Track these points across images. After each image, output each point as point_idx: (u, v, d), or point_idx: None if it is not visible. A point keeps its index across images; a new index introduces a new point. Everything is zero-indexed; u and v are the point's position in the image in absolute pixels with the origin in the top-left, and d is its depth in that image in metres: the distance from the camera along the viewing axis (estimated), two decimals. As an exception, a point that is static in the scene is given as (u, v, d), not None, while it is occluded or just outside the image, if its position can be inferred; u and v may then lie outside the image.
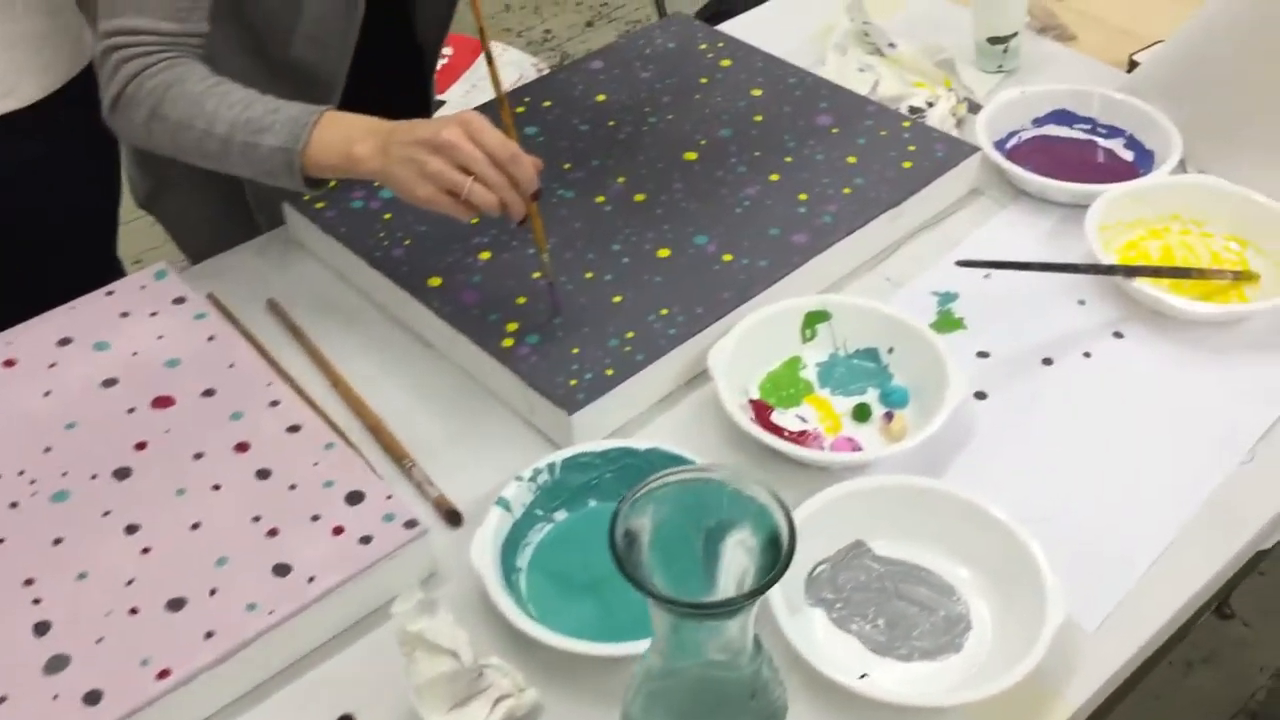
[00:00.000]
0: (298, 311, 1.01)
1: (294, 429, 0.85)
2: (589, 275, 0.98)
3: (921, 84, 1.26)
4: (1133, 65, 1.29)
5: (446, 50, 2.03)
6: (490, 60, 0.89)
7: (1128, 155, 1.17)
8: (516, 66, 1.96)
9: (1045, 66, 1.31)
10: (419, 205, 0.86)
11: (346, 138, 0.89)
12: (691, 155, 1.11)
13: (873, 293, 1.02)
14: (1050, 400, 0.92)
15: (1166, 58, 1.18)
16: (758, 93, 1.19)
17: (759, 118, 1.16)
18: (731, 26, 1.41)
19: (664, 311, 0.94)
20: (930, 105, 1.21)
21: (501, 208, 0.86)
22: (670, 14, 1.34)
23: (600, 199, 1.06)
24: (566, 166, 1.10)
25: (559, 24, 3.10)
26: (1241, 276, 1.01)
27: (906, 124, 1.14)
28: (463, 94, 1.93)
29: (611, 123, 1.16)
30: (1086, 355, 0.96)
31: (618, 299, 0.96)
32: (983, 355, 0.96)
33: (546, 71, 1.88)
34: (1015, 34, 1.28)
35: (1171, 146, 1.12)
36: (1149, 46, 1.31)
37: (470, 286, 0.97)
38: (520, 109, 1.18)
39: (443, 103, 1.90)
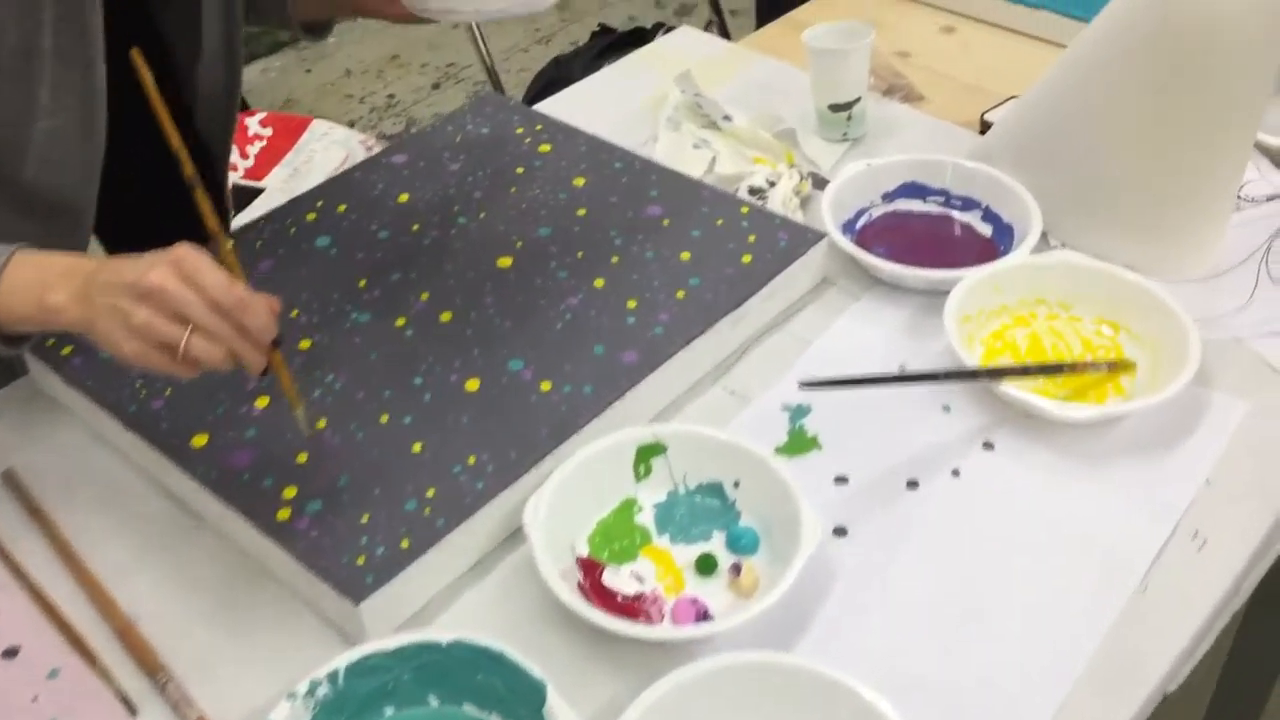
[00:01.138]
0: (43, 484, 0.85)
1: (10, 653, 0.69)
2: (384, 419, 0.84)
3: (762, 159, 1.16)
4: (985, 126, 1.21)
5: (265, 130, 1.88)
6: (189, 173, 0.74)
7: (985, 229, 1.07)
8: (342, 146, 1.81)
9: (894, 130, 1.22)
10: (130, 364, 0.71)
11: (40, 281, 0.73)
12: (506, 261, 0.98)
13: (716, 412, 0.90)
14: (918, 532, 0.81)
15: (1016, 121, 1.09)
16: (581, 182, 1.07)
17: (582, 211, 1.03)
18: (557, 102, 1.29)
19: (471, 460, 0.81)
20: (771, 184, 1.10)
21: (232, 361, 0.71)
22: (482, 94, 1.22)
23: (400, 322, 0.93)
24: (362, 284, 0.96)
25: (403, 87, 2.96)
26: (1117, 367, 0.92)
27: (745, 209, 1.03)
28: (285, 179, 1.78)
29: (415, 227, 1.02)
30: (955, 474, 0.85)
31: (418, 447, 0.82)
32: (841, 481, 0.84)
33: (375, 151, 1.74)
34: (858, 100, 1.18)
35: (1030, 219, 1.02)
36: (1001, 104, 1.22)
37: (243, 444, 0.82)
38: (311, 215, 1.04)
39: (260, 190, 1.75)
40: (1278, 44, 0.92)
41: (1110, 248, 1.03)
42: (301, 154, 1.80)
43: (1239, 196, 1.10)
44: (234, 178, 1.76)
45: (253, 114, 1.90)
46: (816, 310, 1.00)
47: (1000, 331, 0.96)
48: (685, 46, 1.39)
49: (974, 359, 0.90)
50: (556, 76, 1.88)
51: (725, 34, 2.06)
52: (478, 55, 2.13)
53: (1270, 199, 1.09)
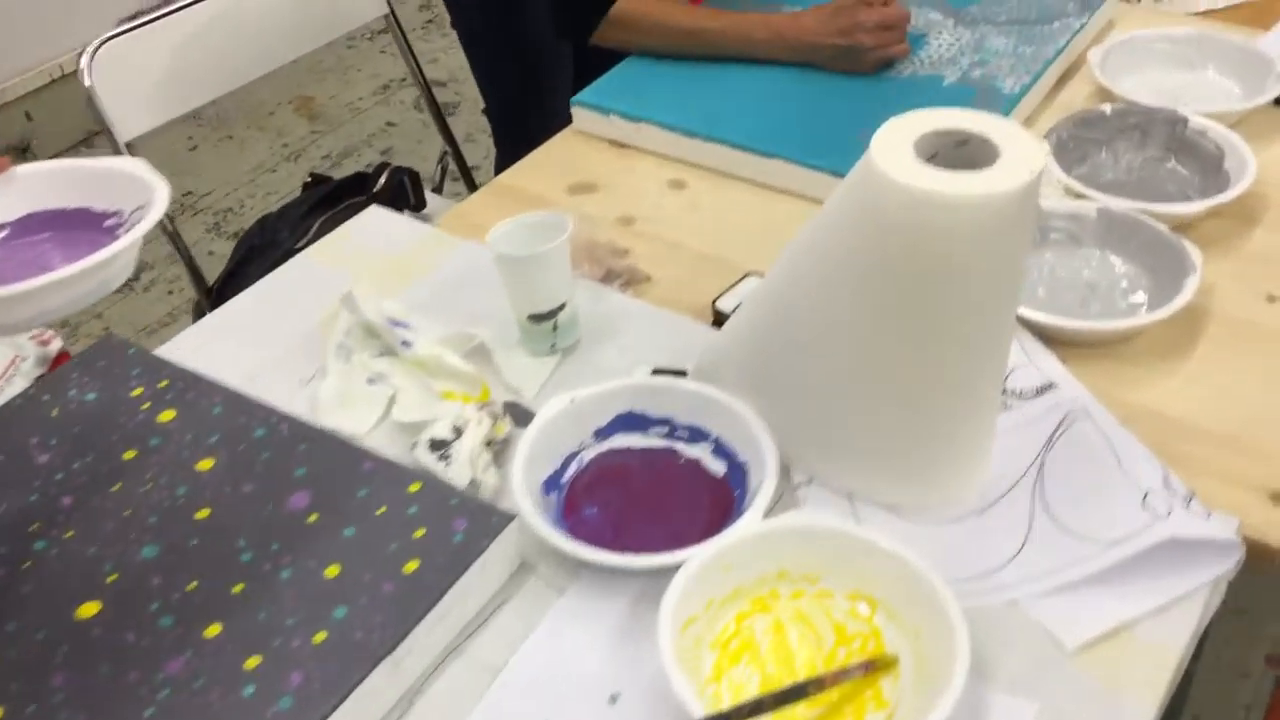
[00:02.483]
0: None
1: None
2: None
3: (451, 394, 0.95)
4: (718, 316, 1.03)
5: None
6: None
7: (718, 467, 0.89)
8: (10, 346, 1.53)
9: (615, 330, 1.03)
10: None
11: None
12: (90, 608, 0.75)
13: (369, 807, 0.68)
14: None
15: (744, 327, 0.91)
16: (208, 465, 0.84)
17: (204, 513, 0.81)
18: (199, 333, 1.06)
19: None
20: (459, 432, 0.90)
21: None
22: (100, 340, 0.98)
23: (-70, 729, 0.68)
24: (-115, 670, 0.72)
25: (133, 225, 2.67)
26: (876, 666, 0.74)
27: (416, 487, 0.82)
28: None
29: (-22, 561, 0.78)
30: None
31: None
32: None
33: (53, 347, 1.46)
34: (563, 305, 0.99)
35: (765, 454, 0.84)
36: (735, 285, 1.05)
37: None
38: None
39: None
40: (1009, 256, 0.76)
41: (861, 485, 0.86)
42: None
43: (1005, 391, 0.95)
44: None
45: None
46: (511, 614, 0.79)
47: (738, 625, 0.77)
48: (377, 230, 1.18)
49: (700, 693, 0.71)
50: (262, 242, 1.65)
51: (468, 179, 1.86)
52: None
53: (1041, 391, 0.94)
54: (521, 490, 0.83)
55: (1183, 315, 0.98)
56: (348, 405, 0.95)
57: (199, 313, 1.61)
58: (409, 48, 1.78)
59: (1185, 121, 1.18)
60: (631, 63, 1.35)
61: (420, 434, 0.90)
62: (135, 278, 2.48)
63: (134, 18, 1.53)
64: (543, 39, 1.53)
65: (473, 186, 1.86)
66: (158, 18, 1.55)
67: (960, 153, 0.76)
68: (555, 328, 0.99)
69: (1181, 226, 1.09)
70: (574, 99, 1.31)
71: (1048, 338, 0.99)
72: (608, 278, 1.09)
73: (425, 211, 1.80)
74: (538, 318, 0.98)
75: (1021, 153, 0.73)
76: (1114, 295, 1.04)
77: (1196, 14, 1.46)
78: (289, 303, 1.07)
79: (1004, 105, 1.23)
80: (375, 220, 1.20)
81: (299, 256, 1.13)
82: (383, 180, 1.71)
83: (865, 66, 1.28)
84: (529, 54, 1.64)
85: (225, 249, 2.36)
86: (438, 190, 1.90)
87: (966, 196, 0.70)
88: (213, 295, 1.59)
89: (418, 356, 0.96)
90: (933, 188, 0.71)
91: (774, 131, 1.21)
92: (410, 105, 3.02)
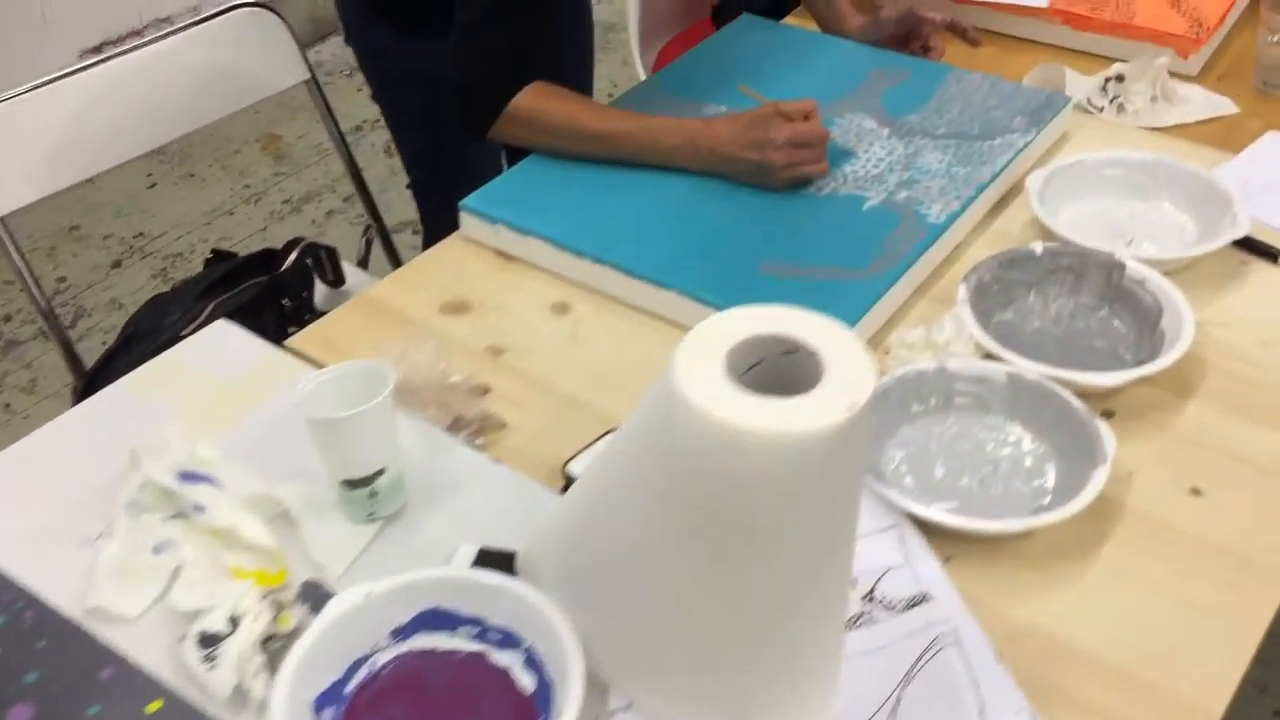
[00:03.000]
0: None
1: None
2: None
3: (242, 571, 0.83)
4: (569, 482, 0.91)
5: None
6: None
7: (528, 681, 0.77)
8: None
9: (451, 493, 0.91)
10: None
11: None
12: None
13: None
14: None
15: (562, 521, 0.79)
16: (-70, 663, 0.73)
17: (-94, 730, 0.70)
18: (20, 453, 0.95)
19: None
20: (235, 624, 0.78)
21: None
22: None
23: None
24: None
25: (78, 267, 2.57)
26: None
27: (154, 707, 0.71)
28: None
29: None
30: None
31: None
32: None
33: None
34: (381, 471, 0.87)
35: (571, 673, 0.73)
36: (594, 442, 0.93)
37: None
38: None
39: None
40: (824, 492, 0.65)
41: (683, 718, 0.74)
42: None
43: (871, 599, 0.82)
44: None
45: None
46: None
47: None
48: (219, 348, 1.07)
49: None
50: (150, 325, 1.55)
51: (392, 254, 1.75)
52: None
53: (913, 604, 0.82)
54: (282, 710, 0.71)
55: (1091, 510, 0.86)
56: (125, 577, 0.83)
57: (79, 397, 1.51)
58: (331, 115, 1.68)
59: (1122, 268, 1.05)
60: (530, 164, 1.24)
61: (192, 624, 0.79)
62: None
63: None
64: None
65: (397, 262, 1.75)
66: (48, 82, 1.45)
67: (786, 363, 0.65)
68: (373, 495, 0.87)
69: (1105, 394, 0.97)
70: (462, 203, 1.19)
71: (932, 531, 0.87)
72: (456, 425, 0.97)
73: (345, 287, 1.69)
74: (352, 484, 0.87)
75: (849, 376, 0.62)
76: (1017, 477, 0.92)
77: (1163, 129, 1.34)
78: (94, 441, 0.96)
79: (928, 234, 1.11)
80: (219, 336, 1.09)
81: (116, 385, 1.02)
82: (291, 259, 1.61)
83: (778, 184, 1.16)
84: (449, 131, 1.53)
85: (163, 300, 2.26)
86: (363, 264, 1.80)
87: (765, 435, 0.59)
88: (88, 380, 1.48)
89: (212, 524, 0.85)
90: (729, 420, 0.59)
91: (670, 258, 1.10)
92: (381, 149, 2.92)
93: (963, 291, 1.03)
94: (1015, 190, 1.21)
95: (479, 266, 1.17)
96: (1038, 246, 1.08)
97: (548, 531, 0.81)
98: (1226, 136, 1.32)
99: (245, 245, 2.62)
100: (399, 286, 1.15)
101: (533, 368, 1.05)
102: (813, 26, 1.49)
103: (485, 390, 1.02)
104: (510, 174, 1.23)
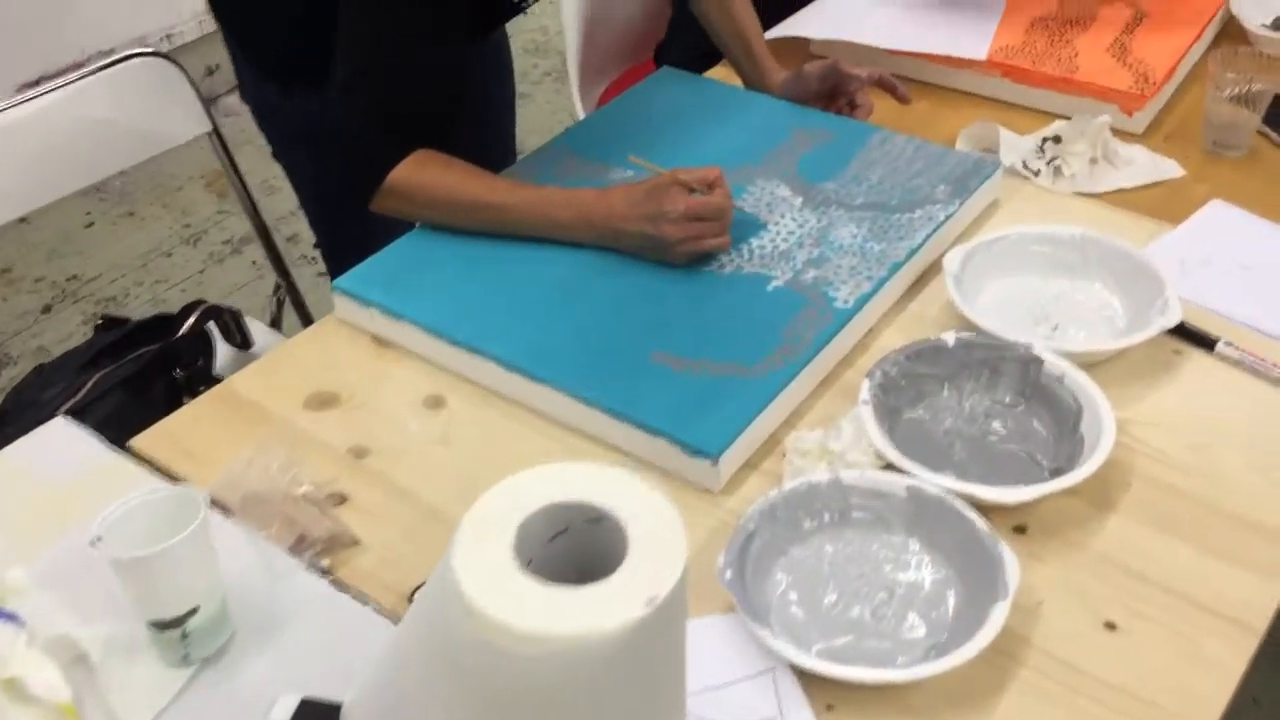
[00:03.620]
0: None
1: None
2: None
3: (30, 729, 0.74)
4: (414, 613, 0.82)
5: None
6: None
7: None
8: None
9: (283, 628, 0.82)
10: None
11: None
12: None
13: None
14: None
15: (370, 688, 0.70)
16: None
17: None
18: None
19: None
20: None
21: None
22: None
23: None
24: None
25: (6, 312, 2.48)
26: None
27: None
28: None
29: None
30: None
31: None
32: None
33: None
34: (196, 609, 0.78)
35: None
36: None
37: None
38: None
39: None
40: (621, 694, 0.56)
41: None
42: None
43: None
44: None
45: None
46: None
47: None
48: (52, 449, 0.98)
49: None
50: (29, 399, 1.45)
51: (303, 313, 1.66)
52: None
53: (780, 767, 0.73)
54: None
55: (992, 648, 0.77)
56: (-100, 736, 0.74)
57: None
58: (236, 170, 1.59)
59: (1039, 363, 0.97)
60: (410, 240, 1.15)
61: (-39, 798, 0.70)
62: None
63: None
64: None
65: (307, 321, 1.66)
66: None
67: (593, 533, 0.56)
68: (185, 636, 0.78)
69: (1017, 507, 0.88)
70: (335, 283, 1.11)
71: (813, 675, 0.77)
72: (300, 545, 0.88)
73: (254, 349, 1.60)
74: (161, 625, 0.77)
75: (656, 556, 0.53)
76: (914, 606, 0.83)
77: (1102, 195, 1.25)
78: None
79: (834, 321, 1.02)
80: (54, 435, 1.00)
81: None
82: (189, 324, 1.52)
83: (674, 259, 1.08)
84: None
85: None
86: (275, 324, 1.71)
87: (547, 639, 0.50)
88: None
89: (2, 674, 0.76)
90: (507, 620, 0.50)
91: (550, 347, 1.01)
92: (327, 186, 2.83)
93: (865, 389, 0.94)
94: (935, 267, 1.12)
95: (352, 353, 1.08)
96: (950, 337, 0.99)
97: (367, 685, 0.72)
98: (1170, 202, 1.23)
99: (181, 288, 2.53)
100: (262, 376, 1.06)
101: (397, 472, 0.96)
102: (737, 80, 1.41)
103: (341, 500, 0.93)
104: (388, 251, 1.14)
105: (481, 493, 0.91)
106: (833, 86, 1.31)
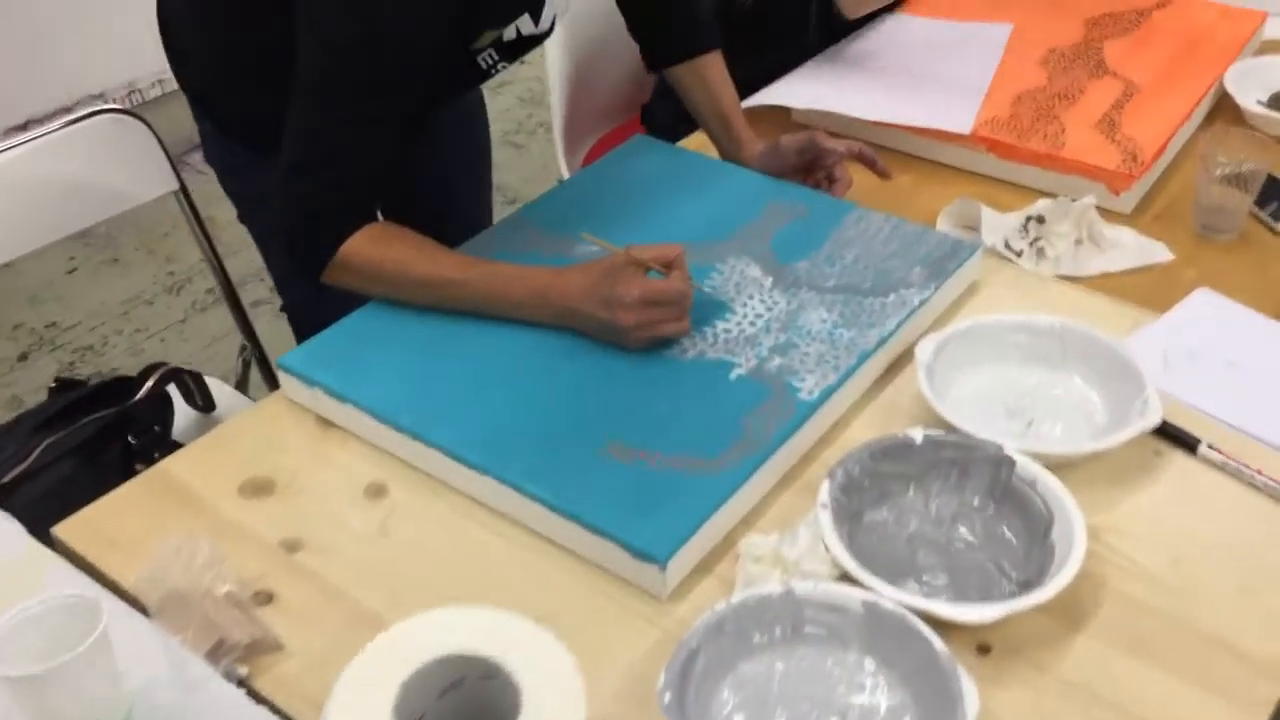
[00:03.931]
0: None
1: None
2: None
3: None
4: (332, 730, 0.77)
5: None
6: None
7: None
8: None
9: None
10: None
11: None
12: None
13: None
14: None
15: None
16: None
17: None
18: None
19: None
20: None
21: None
22: None
23: None
24: None
25: (-21, 358, 2.45)
26: None
27: None
28: None
29: None
30: None
31: None
32: None
33: None
34: (93, 728, 0.73)
35: None
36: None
37: None
38: None
39: None
40: None
41: None
42: None
43: None
44: None
45: None
46: None
47: None
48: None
49: None
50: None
51: (269, 375, 1.62)
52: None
53: None
54: None
55: (946, 786, 0.72)
56: None
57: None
58: (203, 228, 1.55)
59: (1011, 464, 0.92)
60: (361, 316, 1.10)
61: None
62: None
63: None
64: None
65: (275, 384, 1.62)
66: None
67: (487, 689, 0.51)
68: (80, 757, 0.73)
69: (981, 625, 0.83)
70: (280, 360, 1.06)
71: (752, 814, 0.72)
72: (218, 651, 0.83)
73: (215, 413, 1.56)
74: (53, 745, 0.72)
75: (551, 717, 0.48)
76: (866, 736, 0.78)
77: (1086, 279, 1.20)
78: None
79: (796, 414, 0.97)
80: (-23, 523, 0.95)
81: None
82: (148, 386, 1.47)
83: (630, 345, 1.03)
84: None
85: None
86: (240, 387, 1.66)
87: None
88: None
89: (-121, 793, 0.71)
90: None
91: (499, 435, 0.96)
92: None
93: (825, 491, 0.89)
94: (909, 355, 1.07)
95: (296, 435, 1.03)
96: (918, 435, 0.94)
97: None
98: (1157, 288, 1.19)
99: (161, 338, 2.49)
100: (198, 459, 1.01)
101: (330, 570, 0.91)
102: (714, 150, 1.37)
103: (267, 599, 0.88)
104: (338, 327, 1.09)
105: (416, 598, 0.87)
106: (811, 159, 1.27)
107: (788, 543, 0.88)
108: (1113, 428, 0.98)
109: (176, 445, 1.45)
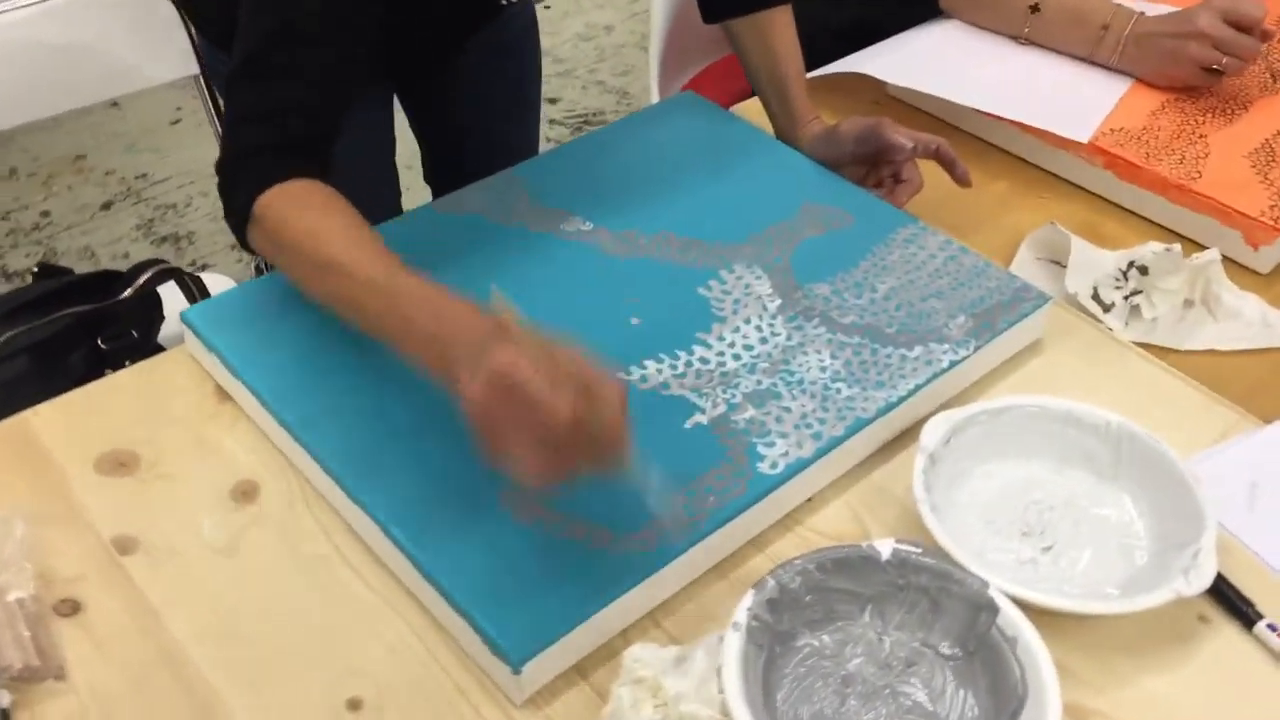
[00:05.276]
0: None
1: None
2: None
3: None
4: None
5: None
6: None
7: None
8: None
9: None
10: None
11: None
12: None
13: None
14: None
15: None
16: None
17: None
18: None
19: None
20: None
21: None
22: None
23: None
24: None
25: (65, 204, 2.40)
26: None
27: None
28: None
29: None
30: None
31: None
32: None
33: None
34: None
35: None
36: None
37: None
38: None
39: None
40: None
41: None
42: None
43: None
44: None
45: None
46: None
47: None
48: None
49: None
50: None
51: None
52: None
53: None
54: None
55: None
56: None
57: None
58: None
59: (994, 612, 0.71)
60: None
61: None
62: None
63: None
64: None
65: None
66: None
67: None
68: None
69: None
70: (184, 313, 0.91)
71: None
72: (-18, 671, 0.71)
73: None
74: None
75: None
76: None
77: (1187, 352, 0.97)
78: None
79: (746, 493, 0.78)
80: None
81: None
82: (137, 285, 1.36)
83: (476, 441, 0.69)
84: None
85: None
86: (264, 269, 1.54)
87: None
88: None
89: None
90: None
91: (379, 457, 0.80)
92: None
93: (744, 608, 0.71)
94: (920, 427, 0.86)
95: (185, 404, 0.89)
96: (886, 547, 0.74)
97: None
98: (1274, 383, 0.94)
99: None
100: (65, 416, 0.88)
101: (155, 585, 0.77)
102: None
103: (74, 609, 0.76)
104: (258, 283, 0.94)
105: (236, 643, 0.72)
106: (873, 151, 1.04)
107: (678, 666, 0.70)
108: (1151, 577, 0.76)
109: (158, 349, 1.35)
